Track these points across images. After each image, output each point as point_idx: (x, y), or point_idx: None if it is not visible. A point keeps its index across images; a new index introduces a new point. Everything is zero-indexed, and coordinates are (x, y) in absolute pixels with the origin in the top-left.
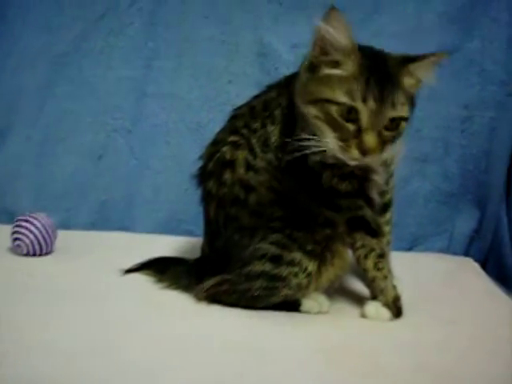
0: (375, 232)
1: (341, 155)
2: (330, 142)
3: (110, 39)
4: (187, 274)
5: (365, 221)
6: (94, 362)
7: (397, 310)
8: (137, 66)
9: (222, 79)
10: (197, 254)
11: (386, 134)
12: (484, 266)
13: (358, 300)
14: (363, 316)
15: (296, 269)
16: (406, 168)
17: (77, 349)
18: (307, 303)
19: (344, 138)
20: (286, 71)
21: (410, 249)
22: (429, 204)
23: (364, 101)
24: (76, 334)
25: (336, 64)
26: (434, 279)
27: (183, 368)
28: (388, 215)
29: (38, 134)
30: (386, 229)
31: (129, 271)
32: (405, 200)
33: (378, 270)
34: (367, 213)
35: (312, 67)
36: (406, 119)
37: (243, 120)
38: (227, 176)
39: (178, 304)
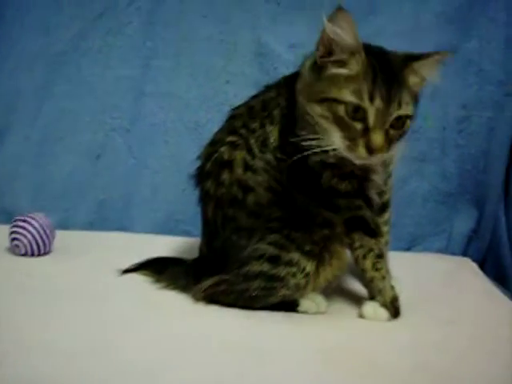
0: (374, 232)
1: (347, 154)
2: (335, 141)
3: (108, 38)
4: (185, 275)
5: (364, 221)
6: (92, 362)
7: (395, 311)
8: (135, 66)
9: (220, 79)
10: (195, 254)
11: (393, 132)
12: (482, 266)
13: (356, 300)
14: (361, 316)
15: (294, 269)
16: (404, 168)
17: (75, 349)
18: (305, 303)
19: (351, 137)
20: (284, 71)
21: (408, 249)
22: (427, 204)
23: (371, 100)
24: (74, 334)
25: (342, 63)
26: (432, 279)
27: (181, 368)
28: (386, 215)
29: (36, 133)
30: (385, 229)
31: (126, 271)
32: (403, 200)
33: (377, 270)
34: (366, 213)
35: (317, 67)
36: (411, 117)
37: (241, 120)
38: (225, 176)
39: (176, 304)
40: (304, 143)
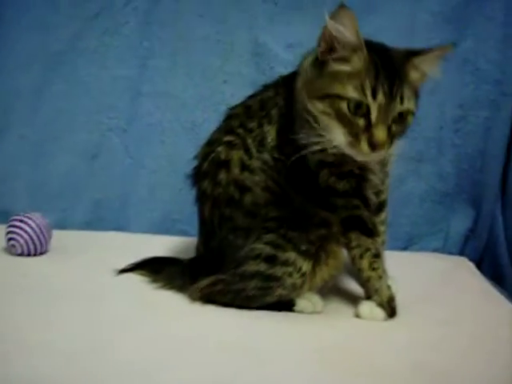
0: (371, 232)
1: (349, 150)
2: (337, 137)
3: (104, 38)
4: (182, 274)
5: (361, 220)
6: (87, 362)
7: (391, 310)
8: (132, 66)
9: (217, 78)
10: (192, 253)
11: (395, 128)
12: (479, 266)
13: (352, 300)
14: (357, 316)
15: (290, 269)
16: (401, 168)
17: (71, 348)
18: (301, 303)
19: (353, 133)
20: (281, 71)
21: (405, 248)
22: (424, 203)
23: (374, 96)
24: (70, 333)
25: (344, 60)
26: (429, 279)
27: (178, 368)
28: (383, 215)
29: (33, 133)
30: (381, 228)
31: (123, 271)
32: (400, 200)
33: (373, 269)
34: (363, 212)
35: (319, 63)
36: (413, 113)
37: (239, 120)
38: (222, 176)
39: (173, 304)
40: (303, 141)
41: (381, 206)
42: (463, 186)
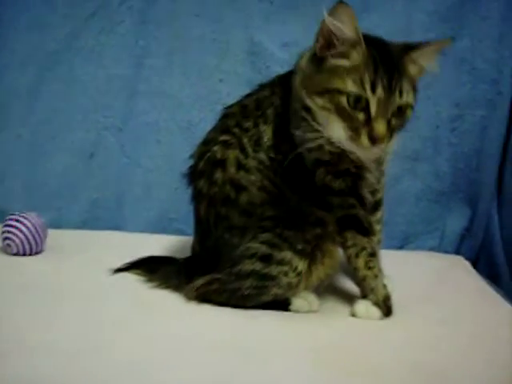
0: (366, 231)
1: (349, 145)
2: (337, 132)
3: (100, 38)
4: (177, 274)
5: (356, 219)
6: (83, 362)
7: (387, 309)
8: (127, 65)
9: (213, 78)
10: (188, 252)
11: (394, 122)
12: (475, 265)
13: (348, 299)
14: (353, 315)
15: (286, 268)
16: (397, 166)
17: (66, 348)
18: (297, 302)
19: (353, 128)
20: (277, 70)
21: (401, 247)
22: (420, 202)
23: (373, 90)
24: (65, 333)
25: (342, 55)
26: (424, 277)
27: (173, 367)
28: (379, 214)
29: (28, 132)
30: (377, 227)
31: (118, 270)
32: (396, 198)
33: (369, 268)
34: (359, 211)
35: (317, 58)
36: (411, 107)
37: (235, 119)
38: (218, 175)
39: (168, 303)
40: (300, 139)
41: (377, 205)
42: (459, 185)
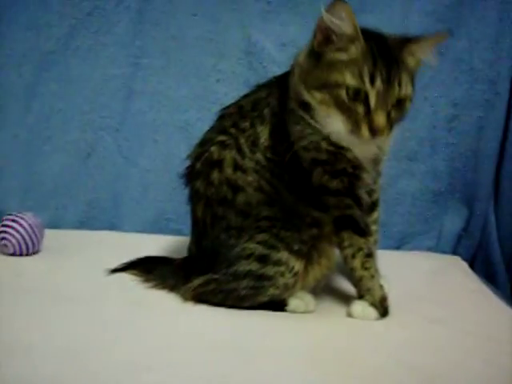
0: (363, 231)
1: (350, 138)
2: (337, 125)
3: (97, 37)
4: (174, 274)
5: (353, 220)
6: (79, 362)
7: (383, 310)
8: (124, 65)
9: (210, 78)
10: (185, 253)
11: (394, 114)
12: (472, 265)
13: (345, 299)
14: (350, 315)
15: (282, 268)
16: (394, 167)
17: (62, 348)
18: (293, 302)
19: (353, 120)
20: (274, 70)
21: (398, 247)
22: (417, 202)
23: (372, 82)
24: (62, 333)
25: (341, 50)
26: (421, 278)
27: (170, 367)
28: (375, 214)
29: (25, 132)
30: (373, 228)
31: (115, 271)
32: (393, 198)
33: (366, 269)
34: (356, 212)
35: (315, 53)
36: (410, 99)
37: (231, 119)
38: (215, 176)
39: (165, 304)
40: (298, 138)
41: (373, 206)
42: (456, 185)
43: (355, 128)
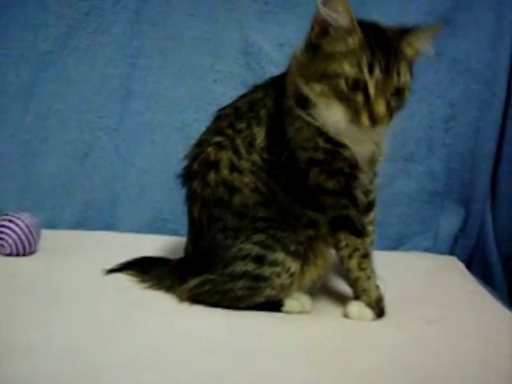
0: (359, 232)
1: (350, 128)
2: (337, 116)
3: (94, 37)
4: (170, 275)
5: (349, 220)
6: (78, 362)
7: (380, 311)
8: (122, 65)
9: (207, 78)
10: (181, 253)
11: (393, 103)
12: (469, 265)
13: (341, 300)
14: (346, 316)
15: (279, 269)
16: (390, 167)
17: (61, 348)
18: (290, 303)
19: (353, 110)
20: (271, 70)
21: (394, 248)
22: (414, 203)
23: (370, 71)
24: (58, 334)
25: (338, 41)
26: (418, 278)
27: (165, 368)
28: (372, 215)
29: (22, 132)
30: (370, 229)
31: (111, 271)
32: (390, 199)
33: (362, 269)
34: (352, 212)
35: (312, 46)
36: (409, 88)
37: (228, 120)
38: (211, 177)
39: (161, 304)
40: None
41: (370, 206)
42: (453, 186)
43: (355, 117)
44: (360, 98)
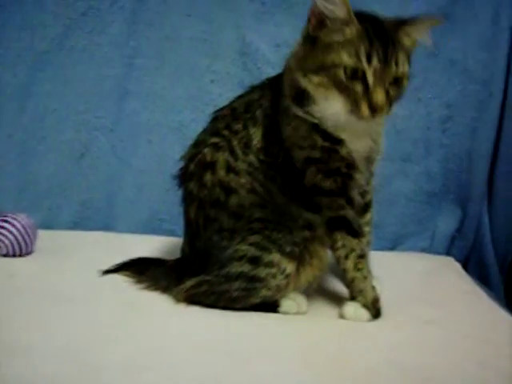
0: (356, 232)
1: (350, 118)
2: (336, 107)
3: (91, 38)
4: (167, 275)
5: (346, 221)
6: (77, 362)
7: (376, 311)
8: (118, 65)
9: (204, 78)
10: (178, 254)
11: (392, 92)
12: (465, 266)
13: (337, 300)
14: (342, 317)
15: (274, 270)
16: (388, 167)
17: (61, 348)
18: (286, 303)
19: (352, 100)
20: (268, 71)
21: (391, 248)
22: (411, 203)
23: (369, 61)
24: (57, 334)
25: (336, 32)
26: (415, 279)
27: (162, 368)
28: (368, 216)
29: (19, 132)
30: (366, 229)
31: (107, 272)
32: (387, 199)
33: (358, 270)
34: (348, 212)
35: (310, 38)
36: (408, 77)
37: (224, 121)
38: (208, 178)
39: (157, 305)
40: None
41: (366, 207)
42: (450, 186)
43: (355, 107)
44: (359, 87)
